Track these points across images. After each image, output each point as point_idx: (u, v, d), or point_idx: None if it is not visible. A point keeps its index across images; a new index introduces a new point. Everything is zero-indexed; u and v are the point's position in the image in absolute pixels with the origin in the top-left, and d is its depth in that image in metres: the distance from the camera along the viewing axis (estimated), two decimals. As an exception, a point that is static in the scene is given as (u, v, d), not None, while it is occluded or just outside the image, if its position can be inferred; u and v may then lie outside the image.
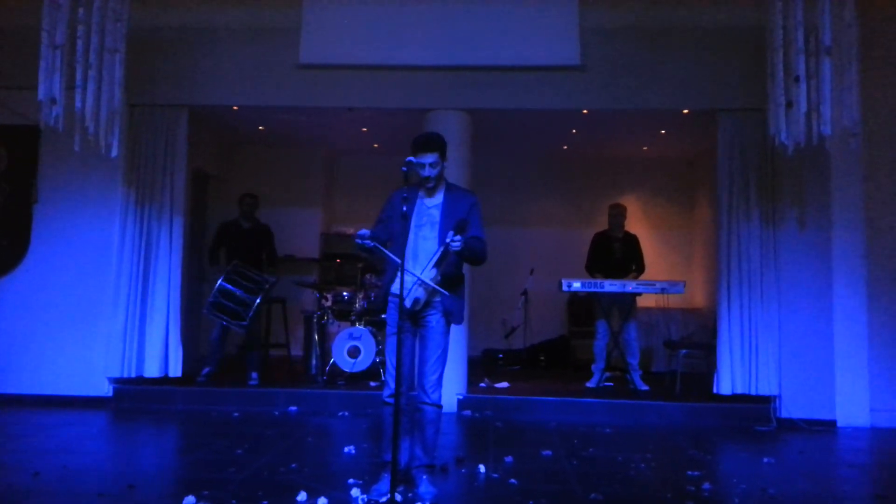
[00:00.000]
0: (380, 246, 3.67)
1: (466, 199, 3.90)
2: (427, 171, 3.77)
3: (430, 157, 3.77)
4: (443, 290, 3.67)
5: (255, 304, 6.53)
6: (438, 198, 3.88)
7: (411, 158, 3.74)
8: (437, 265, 3.67)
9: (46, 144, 6.46)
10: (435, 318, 3.80)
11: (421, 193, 3.87)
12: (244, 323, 6.51)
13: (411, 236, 3.74)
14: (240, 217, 7.09)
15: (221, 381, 6.63)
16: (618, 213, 7.37)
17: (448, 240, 3.61)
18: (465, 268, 3.95)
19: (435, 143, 3.81)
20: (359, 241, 3.64)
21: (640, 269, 7.29)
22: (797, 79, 4.76)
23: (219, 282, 6.48)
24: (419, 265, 3.72)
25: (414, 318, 3.78)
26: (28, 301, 6.42)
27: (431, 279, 3.66)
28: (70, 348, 6.34)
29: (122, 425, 5.76)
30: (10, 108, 6.36)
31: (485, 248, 3.86)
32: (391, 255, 3.67)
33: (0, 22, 6.45)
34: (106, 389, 6.32)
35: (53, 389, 6.27)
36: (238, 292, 6.48)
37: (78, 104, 4.84)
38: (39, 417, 5.73)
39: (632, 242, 7.37)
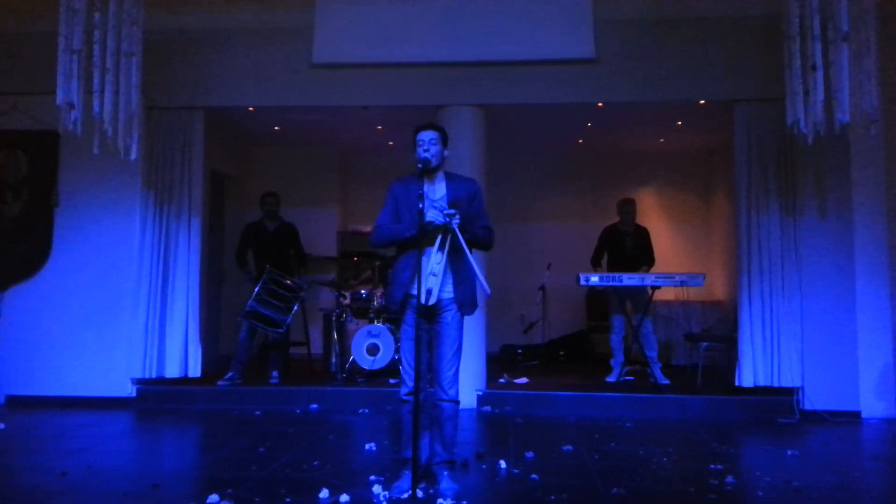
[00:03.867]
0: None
1: (470, 187, 3.91)
2: (426, 146, 3.77)
3: (430, 134, 3.79)
4: (466, 249, 3.66)
5: (293, 312, 6.65)
6: (441, 189, 3.86)
7: (420, 153, 3.77)
8: (440, 249, 3.69)
9: (66, 149, 6.52)
10: (450, 314, 3.80)
11: (425, 187, 3.79)
12: (280, 330, 6.60)
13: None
14: (264, 217, 7.10)
15: (242, 381, 6.67)
16: (629, 210, 7.29)
17: (444, 214, 3.61)
18: (480, 264, 3.94)
19: (436, 125, 3.89)
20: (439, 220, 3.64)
21: (650, 262, 7.24)
22: (814, 67, 4.69)
23: (255, 290, 6.53)
24: (428, 259, 3.74)
25: (429, 315, 3.78)
26: (51, 304, 6.50)
27: (438, 263, 3.69)
28: (92, 350, 6.42)
29: (145, 425, 5.81)
30: (29, 114, 6.45)
31: (490, 236, 3.90)
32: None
33: (17, 28, 6.54)
34: (129, 390, 6.39)
35: (77, 391, 6.35)
36: (275, 301, 6.56)
37: (96, 108, 4.88)
38: (64, 419, 5.80)
39: (642, 235, 7.31)
